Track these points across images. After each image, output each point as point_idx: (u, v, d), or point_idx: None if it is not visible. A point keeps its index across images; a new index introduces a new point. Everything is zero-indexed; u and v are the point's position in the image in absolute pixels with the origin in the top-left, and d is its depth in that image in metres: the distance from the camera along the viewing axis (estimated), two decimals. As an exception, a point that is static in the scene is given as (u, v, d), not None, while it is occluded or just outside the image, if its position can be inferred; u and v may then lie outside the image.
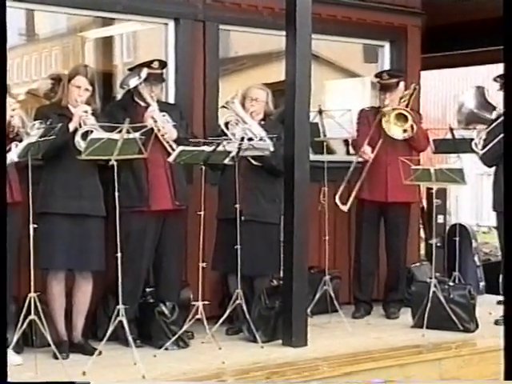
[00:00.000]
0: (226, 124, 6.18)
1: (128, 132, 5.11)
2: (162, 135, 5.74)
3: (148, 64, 5.85)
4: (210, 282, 6.37)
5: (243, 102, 6.27)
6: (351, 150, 7.31)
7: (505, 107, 4.86)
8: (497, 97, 6.89)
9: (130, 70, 6.02)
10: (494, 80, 6.70)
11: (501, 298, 7.18)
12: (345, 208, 6.76)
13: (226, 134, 6.01)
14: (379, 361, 5.63)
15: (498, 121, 6.57)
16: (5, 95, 4.33)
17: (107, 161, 5.20)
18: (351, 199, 6.78)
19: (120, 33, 7.80)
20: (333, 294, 6.56)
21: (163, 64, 6.00)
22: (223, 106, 6.37)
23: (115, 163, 5.19)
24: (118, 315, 5.21)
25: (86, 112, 5.35)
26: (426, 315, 6.23)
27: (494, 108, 6.86)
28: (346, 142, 7.64)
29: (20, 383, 4.65)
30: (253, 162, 6.11)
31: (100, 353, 5.27)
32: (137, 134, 5.18)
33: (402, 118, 6.75)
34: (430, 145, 7.05)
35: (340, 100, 8.07)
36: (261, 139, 6.03)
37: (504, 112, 5.01)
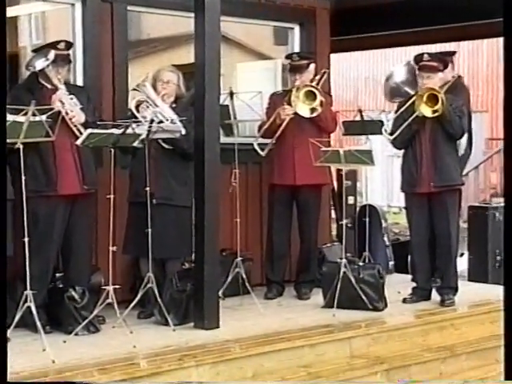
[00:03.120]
0: (137, 107, 6.12)
1: (34, 115, 5.02)
2: (70, 119, 5.64)
3: (54, 45, 5.73)
4: (121, 265, 6.33)
5: (155, 85, 6.22)
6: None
7: (504, 102, 4.88)
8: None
9: (34, 51, 5.89)
10: (415, 61, 6.75)
11: (409, 276, 7.35)
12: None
13: (136, 117, 5.96)
14: (291, 341, 5.68)
15: (407, 105, 6.69)
16: (5, 96, 4.26)
17: (13, 144, 5.10)
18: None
19: (28, 13, 7.64)
20: (245, 276, 6.58)
21: (69, 45, 5.87)
22: (134, 89, 6.29)
23: (21, 146, 5.10)
24: (26, 301, 5.15)
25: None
26: (337, 295, 6.31)
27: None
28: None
29: (20, 383, 4.57)
30: (164, 145, 6.07)
31: (8, 339, 5.17)
32: (43, 117, 5.10)
33: (311, 96, 6.69)
34: (340, 126, 7.12)
35: (251, 82, 8.08)
36: (172, 122, 6.00)
37: (504, 109, 5.05)
